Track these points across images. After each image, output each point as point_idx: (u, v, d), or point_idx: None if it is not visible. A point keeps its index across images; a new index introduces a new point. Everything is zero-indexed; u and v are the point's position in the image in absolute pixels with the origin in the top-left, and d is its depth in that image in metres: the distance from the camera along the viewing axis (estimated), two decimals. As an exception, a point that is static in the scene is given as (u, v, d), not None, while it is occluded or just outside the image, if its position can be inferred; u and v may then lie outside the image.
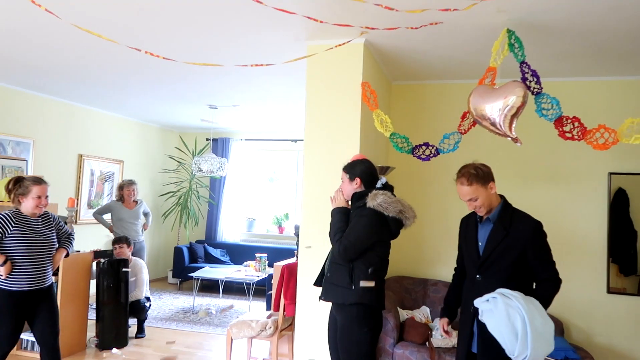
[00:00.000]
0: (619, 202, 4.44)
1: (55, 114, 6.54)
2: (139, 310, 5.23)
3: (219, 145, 8.72)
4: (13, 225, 3.16)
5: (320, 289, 2.82)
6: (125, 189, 6.23)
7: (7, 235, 3.13)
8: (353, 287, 2.57)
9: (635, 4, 2.91)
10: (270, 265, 6.89)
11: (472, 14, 3.11)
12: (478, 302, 2.30)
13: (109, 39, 3.26)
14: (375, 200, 2.61)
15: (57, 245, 3.42)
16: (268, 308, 5.58)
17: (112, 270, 4.89)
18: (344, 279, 2.59)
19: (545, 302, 2.31)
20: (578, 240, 4.44)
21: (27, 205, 3.23)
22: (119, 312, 4.90)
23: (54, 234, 3.40)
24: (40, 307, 3.31)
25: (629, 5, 2.92)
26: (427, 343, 3.95)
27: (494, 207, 2.48)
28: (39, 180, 3.28)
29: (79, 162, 6.95)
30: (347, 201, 2.79)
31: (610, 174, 4.43)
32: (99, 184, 7.35)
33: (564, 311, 4.43)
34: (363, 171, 2.77)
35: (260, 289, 7.45)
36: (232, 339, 3.95)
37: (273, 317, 3.96)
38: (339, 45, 3.62)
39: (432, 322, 4.31)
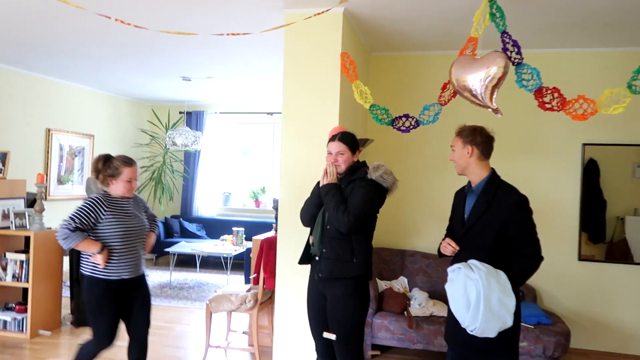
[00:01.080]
0: (590, 173, 4.54)
1: (20, 86, 6.26)
2: None
3: (192, 119, 8.53)
4: (105, 209, 2.84)
5: (306, 266, 2.80)
6: None
7: (100, 220, 2.81)
8: (355, 260, 2.56)
9: (615, -26, 2.91)
10: (248, 239, 6.87)
11: (454, -18, 3.06)
12: (448, 270, 2.36)
13: (76, 5, 3.09)
14: (377, 172, 2.61)
15: (148, 228, 3.14)
16: (247, 282, 5.58)
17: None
18: (344, 253, 2.57)
19: (518, 279, 2.31)
20: (552, 209, 4.55)
21: (117, 189, 2.91)
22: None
23: (145, 216, 3.11)
24: (136, 297, 3.02)
25: (609, -25, 2.92)
26: (405, 312, 4.02)
27: (479, 178, 2.46)
28: (129, 161, 2.94)
29: (47, 137, 6.70)
30: (337, 175, 2.72)
31: (584, 144, 4.52)
32: (69, 159, 7.13)
33: (536, 278, 4.56)
34: (358, 143, 2.78)
35: (238, 263, 7.44)
36: (211, 313, 3.93)
37: (253, 291, 3.95)
38: (318, 14, 3.53)
39: (410, 291, 4.38)
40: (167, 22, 4.10)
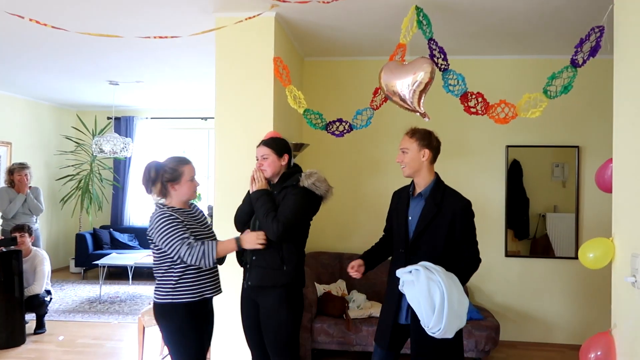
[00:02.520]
0: (513, 173, 4.80)
1: None
2: (38, 305, 4.80)
3: (122, 125, 8.18)
4: (183, 223, 2.47)
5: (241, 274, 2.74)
6: (15, 174, 5.54)
7: None
8: (285, 268, 2.52)
9: (530, -14, 3.10)
10: (183, 248, 6.66)
11: (382, -10, 3.13)
12: (400, 273, 2.35)
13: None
14: (310, 179, 2.57)
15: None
16: (182, 292, 5.40)
17: (1, 263, 4.43)
18: (274, 261, 2.52)
19: (464, 279, 2.39)
20: (480, 208, 4.67)
21: (182, 193, 2.54)
22: (13, 308, 4.48)
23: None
24: (209, 318, 2.66)
25: (525, -14, 3.11)
26: (344, 315, 4.04)
27: (425, 182, 2.51)
28: (184, 159, 2.59)
29: (-43, 145, 6.18)
30: (267, 181, 2.68)
31: (508, 146, 4.77)
32: (-17, 168, 6.60)
33: (468, 276, 4.75)
34: (288, 147, 2.70)
35: (173, 273, 7.19)
36: (144, 327, 3.77)
37: (188, 301, 3.82)
38: (249, 18, 3.49)
39: (349, 294, 4.41)
40: (89, 24, 3.90)
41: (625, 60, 2.17)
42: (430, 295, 2.20)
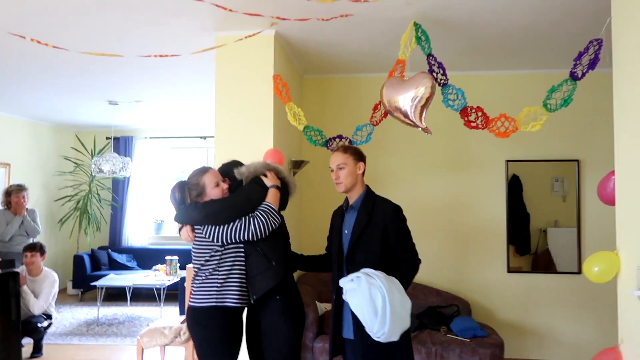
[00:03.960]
0: (513, 188, 4.79)
1: None
2: (31, 330, 4.68)
3: (121, 145, 8.18)
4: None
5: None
6: (13, 196, 5.50)
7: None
8: (273, 264, 2.47)
9: (527, 2, 3.13)
10: (182, 268, 6.59)
11: (382, 7, 3.16)
12: (343, 282, 2.37)
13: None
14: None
15: None
16: (182, 313, 5.32)
17: (-1, 286, 4.37)
18: (261, 263, 2.48)
19: (405, 281, 2.41)
20: (481, 224, 4.73)
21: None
22: (10, 331, 4.39)
23: None
24: (242, 328, 2.67)
25: (522, 2, 3.14)
26: (346, 334, 3.98)
27: (357, 194, 2.58)
28: (201, 170, 2.56)
29: (-45, 166, 6.15)
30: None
31: (507, 161, 4.77)
32: (-19, 190, 6.56)
33: (470, 292, 4.71)
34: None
35: (173, 294, 7.10)
36: (142, 349, 3.70)
37: (188, 322, 3.76)
38: (249, 36, 3.52)
39: (350, 313, 4.35)
40: (90, 43, 3.92)
41: (625, 71, 2.18)
42: (372, 300, 2.21)
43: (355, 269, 2.38)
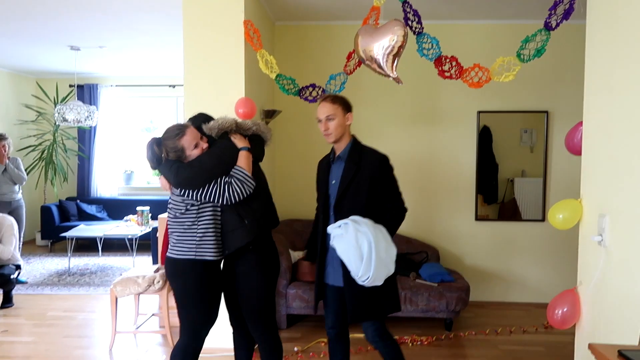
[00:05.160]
0: (483, 139, 4.86)
1: None
2: (4, 282, 4.65)
3: (85, 93, 7.87)
4: None
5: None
6: None
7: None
8: (246, 222, 2.47)
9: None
10: (154, 218, 6.56)
11: (356, -51, 3.04)
12: (330, 228, 2.43)
13: None
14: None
15: None
16: (155, 262, 5.34)
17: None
18: (233, 222, 2.48)
19: (392, 229, 2.48)
20: (452, 175, 4.82)
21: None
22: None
23: None
24: (220, 279, 2.66)
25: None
26: (318, 281, 4.08)
27: (345, 145, 2.58)
28: (178, 130, 2.43)
29: None
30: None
31: (479, 112, 4.81)
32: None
33: (439, 239, 4.86)
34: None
35: (145, 244, 7.09)
36: (116, 298, 3.72)
37: (161, 271, 3.78)
38: (218, -22, 3.35)
39: (323, 261, 4.45)
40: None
41: (598, 24, 2.18)
42: (358, 245, 2.29)
43: (343, 216, 2.43)
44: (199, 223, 2.45)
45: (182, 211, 2.46)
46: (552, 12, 2.71)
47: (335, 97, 2.58)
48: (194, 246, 2.44)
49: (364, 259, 2.29)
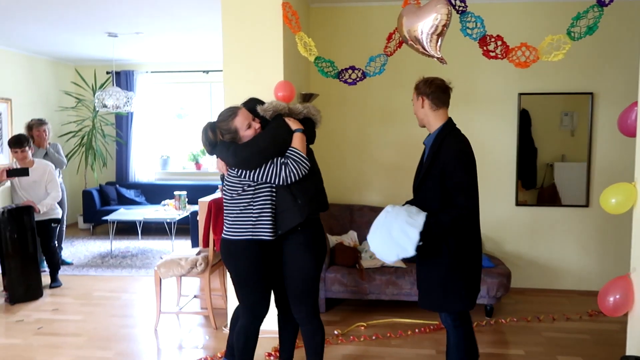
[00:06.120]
0: (522, 122, 4.73)
1: None
2: (56, 265, 4.84)
3: (122, 79, 8.01)
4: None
5: None
6: (34, 129, 5.50)
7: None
8: (299, 202, 2.50)
9: None
10: (190, 202, 6.67)
11: None
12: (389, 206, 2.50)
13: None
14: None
15: None
16: (194, 245, 5.45)
17: (13, 220, 4.44)
18: (287, 201, 2.51)
19: (439, 226, 2.31)
20: (492, 159, 4.71)
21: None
22: (29, 264, 4.53)
23: None
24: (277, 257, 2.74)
25: None
26: (356, 265, 4.09)
27: (432, 130, 2.51)
28: (231, 112, 2.50)
29: (-43, 102, 6.06)
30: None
31: (520, 94, 4.67)
32: (-16, 126, 6.52)
33: (480, 225, 4.76)
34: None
35: (182, 228, 7.24)
36: (160, 279, 3.81)
37: (203, 254, 3.85)
38: (257, -40, 3.32)
39: (360, 245, 4.45)
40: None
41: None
42: (376, 223, 2.42)
43: (414, 203, 2.47)
44: (255, 203, 2.49)
45: (239, 192, 2.50)
46: (607, -13, 2.58)
47: (416, 83, 2.53)
48: (251, 226, 2.49)
49: (371, 232, 2.42)
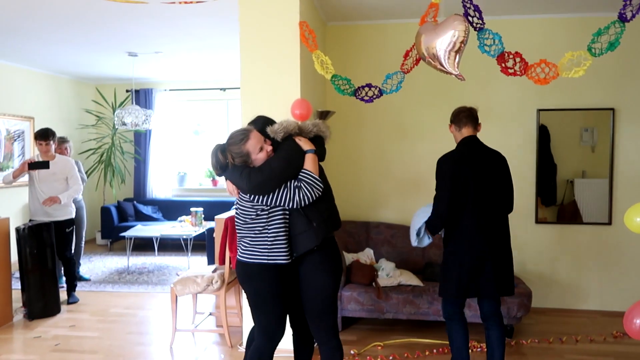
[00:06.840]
0: (541, 138, 4.67)
1: (-54, 65, 5.73)
2: (73, 278, 4.86)
3: (141, 97, 8.15)
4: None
5: None
6: (57, 147, 5.63)
7: None
8: (314, 224, 2.47)
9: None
10: (207, 219, 6.70)
11: (414, -54, 2.98)
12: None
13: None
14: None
15: None
16: (210, 262, 5.45)
17: (33, 235, 4.50)
18: (302, 224, 2.48)
19: (428, 224, 3.03)
20: (511, 174, 4.63)
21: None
22: (48, 280, 4.57)
23: None
24: (294, 280, 2.71)
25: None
26: (373, 283, 4.03)
27: None
28: (242, 135, 2.42)
29: (-18, 120, 6.21)
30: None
31: (539, 110, 4.62)
32: (7, 144, 6.65)
33: (498, 243, 4.68)
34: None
35: (199, 245, 7.27)
36: (176, 296, 3.81)
37: (219, 271, 3.84)
38: (274, -20, 3.37)
39: (377, 262, 4.40)
40: (110, -8, 3.82)
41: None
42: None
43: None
44: (270, 228, 2.45)
45: (253, 217, 2.46)
46: (627, 2, 2.55)
47: None
48: (266, 251, 2.45)
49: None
